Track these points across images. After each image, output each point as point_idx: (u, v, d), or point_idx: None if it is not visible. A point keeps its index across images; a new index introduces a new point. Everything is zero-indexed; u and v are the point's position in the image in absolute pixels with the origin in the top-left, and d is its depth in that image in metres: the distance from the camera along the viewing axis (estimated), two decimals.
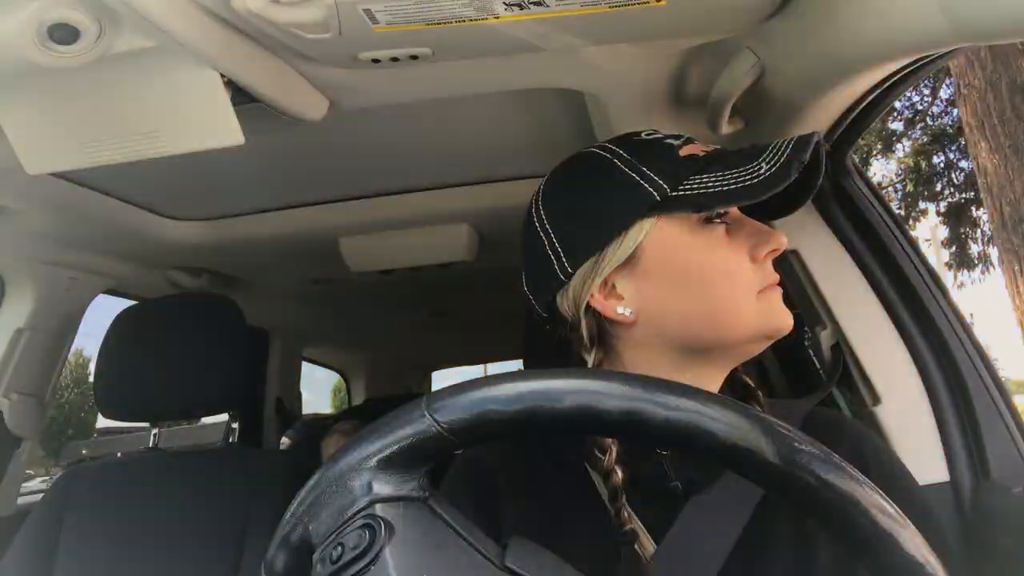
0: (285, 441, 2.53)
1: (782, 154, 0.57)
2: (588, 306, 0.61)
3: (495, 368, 4.48)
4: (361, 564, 0.33)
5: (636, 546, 0.58)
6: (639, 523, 0.59)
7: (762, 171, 0.56)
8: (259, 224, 1.45)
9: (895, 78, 0.75)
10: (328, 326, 2.64)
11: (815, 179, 0.61)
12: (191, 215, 1.44)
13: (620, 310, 0.60)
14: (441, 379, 4.47)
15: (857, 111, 0.84)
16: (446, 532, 0.35)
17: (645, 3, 0.68)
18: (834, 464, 0.34)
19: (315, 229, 1.46)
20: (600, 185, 0.62)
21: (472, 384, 0.37)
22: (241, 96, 0.80)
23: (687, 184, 0.58)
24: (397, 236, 1.50)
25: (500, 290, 2.35)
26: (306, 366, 2.93)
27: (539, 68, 0.87)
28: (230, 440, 2.32)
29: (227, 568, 1.17)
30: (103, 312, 1.53)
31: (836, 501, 0.33)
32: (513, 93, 1.02)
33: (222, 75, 0.76)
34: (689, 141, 0.63)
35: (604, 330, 0.63)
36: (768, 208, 0.63)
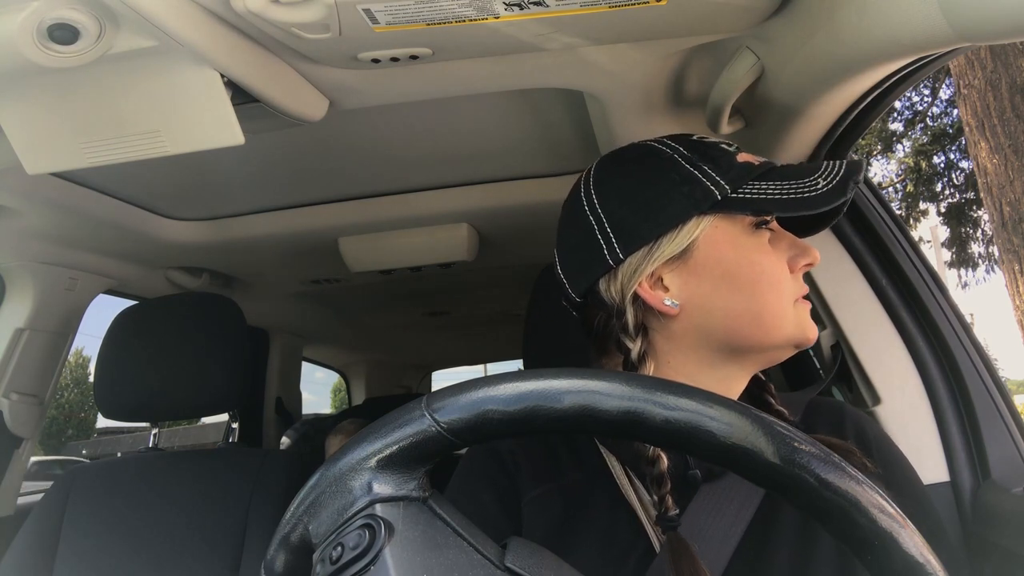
0: (285, 441, 2.53)
1: (837, 173, 0.60)
2: (635, 295, 0.62)
3: (495, 368, 4.48)
4: (361, 564, 0.33)
5: (651, 530, 0.59)
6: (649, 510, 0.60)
7: (819, 186, 0.59)
8: (259, 224, 1.45)
9: (895, 78, 0.75)
10: (328, 326, 2.64)
11: (841, 207, 0.64)
12: (191, 215, 1.44)
13: (667, 302, 0.61)
14: (441, 379, 4.48)
15: (857, 111, 0.84)
16: (446, 532, 0.35)
17: (645, 3, 0.68)
18: (834, 464, 0.34)
19: (315, 229, 1.46)
20: (661, 177, 0.63)
21: (472, 384, 0.37)
22: (241, 96, 0.80)
23: (746, 188, 0.61)
24: (397, 236, 1.51)
25: (500, 290, 2.36)
26: (306, 366, 2.93)
27: (539, 68, 0.87)
28: (230, 440, 2.32)
29: (227, 568, 1.17)
30: (103, 312, 1.54)
31: (836, 501, 0.33)
32: (513, 93, 1.02)
33: (222, 75, 0.75)
34: (740, 150, 0.65)
35: (645, 320, 0.64)
36: (794, 227, 0.67)
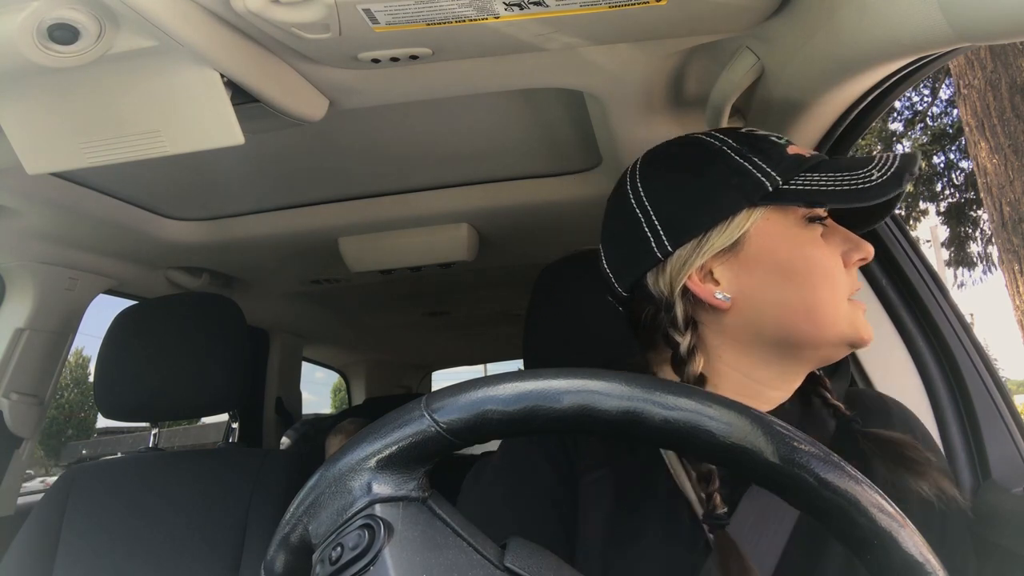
0: (285, 441, 2.53)
1: (891, 165, 0.59)
2: (684, 288, 0.61)
3: (495, 368, 4.48)
4: (361, 564, 0.33)
5: (706, 528, 0.57)
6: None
7: (873, 177, 0.58)
8: (259, 224, 1.45)
9: (895, 78, 0.75)
10: (328, 326, 2.64)
11: (894, 201, 0.64)
12: (191, 215, 1.44)
13: (718, 295, 0.60)
14: (441, 379, 4.48)
15: (857, 111, 0.84)
16: (445, 532, 0.35)
17: (645, 3, 0.68)
18: (833, 463, 0.34)
19: (315, 229, 1.46)
20: (711, 169, 0.62)
21: (471, 384, 0.37)
22: (241, 96, 0.80)
23: (798, 179, 0.60)
24: (397, 236, 1.51)
25: (500, 290, 2.36)
26: (306, 366, 2.93)
27: (539, 68, 0.87)
28: (230, 440, 2.32)
29: (227, 568, 1.17)
30: (103, 312, 1.54)
31: (835, 500, 0.33)
32: (513, 93, 1.02)
33: (222, 75, 0.76)
34: (790, 142, 0.64)
35: (694, 314, 0.63)
36: (845, 223, 0.66)
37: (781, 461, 0.34)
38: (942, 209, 9.52)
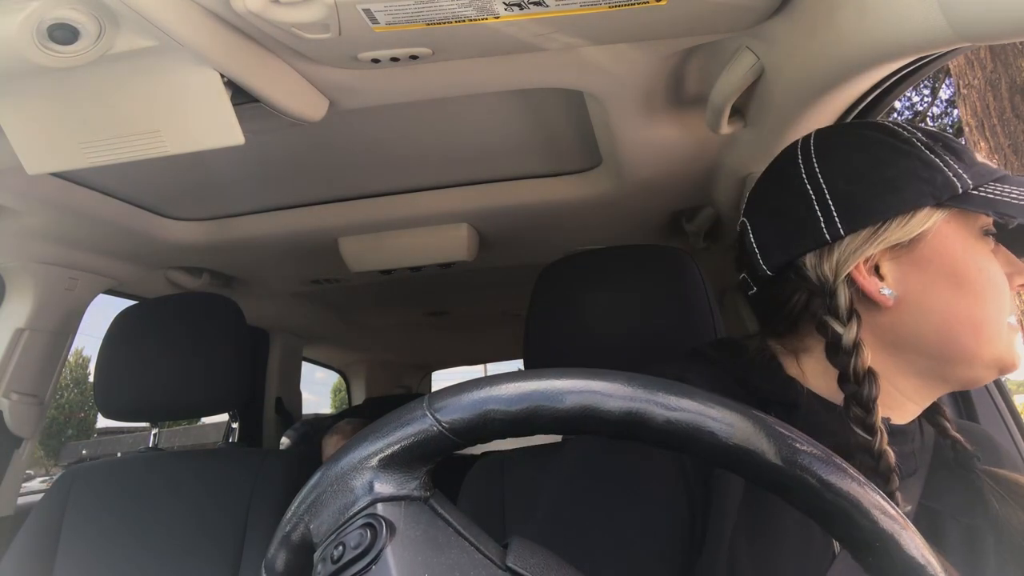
0: (285, 441, 2.53)
1: None
2: (849, 277, 0.58)
3: (495, 368, 4.48)
4: (362, 563, 0.33)
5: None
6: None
7: None
8: (259, 224, 1.45)
9: (895, 78, 0.75)
10: (328, 326, 2.64)
11: None
12: (191, 215, 1.44)
13: (884, 291, 0.57)
14: (441, 379, 4.47)
15: (857, 111, 0.84)
16: (447, 532, 0.35)
17: (645, 3, 0.68)
18: (835, 465, 0.34)
19: (315, 229, 1.46)
20: (901, 159, 0.58)
21: (474, 384, 0.37)
22: (241, 96, 0.80)
23: (988, 188, 0.57)
24: (397, 236, 1.50)
25: (500, 290, 2.36)
26: (306, 366, 2.92)
27: (539, 68, 0.87)
28: (230, 440, 2.32)
29: (227, 568, 1.17)
30: (103, 312, 1.54)
31: (837, 502, 0.33)
32: (513, 93, 1.02)
33: (222, 75, 0.76)
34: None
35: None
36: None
37: (783, 463, 0.34)
38: None
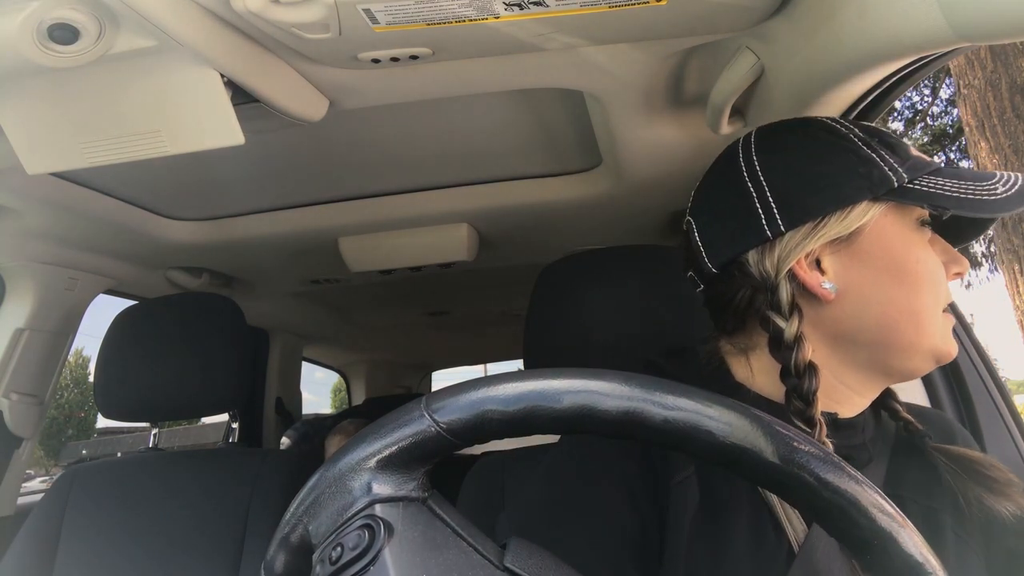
0: (285, 441, 2.53)
1: (1015, 182, 0.58)
2: (790, 272, 0.59)
3: (495, 368, 4.48)
4: (361, 564, 0.33)
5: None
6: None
7: (998, 191, 0.57)
8: (259, 224, 1.45)
9: (895, 78, 0.75)
10: (328, 326, 2.64)
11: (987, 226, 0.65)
12: (191, 215, 1.44)
13: (825, 285, 0.58)
14: (441, 379, 4.48)
15: (857, 111, 0.84)
16: (445, 532, 0.35)
17: (645, 3, 0.68)
18: (833, 463, 0.34)
19: (315, 229, 1.46)
20: (838, 155, 0.59)
21: (471, 384, 0.37)
22: (241, 96, 0.80)
23: (923, 181, 0.58)
24: (397, 236, 1.51)
25: (500, 290, 2.36)
26: (306, 366, 2.93)
27: (539, 68, 0.87)
28: (230, 440, 2.32)
29: (227, 568, 1.17)
30: (103, 312, 1.54)
31: (835, 500, 0.33)
32: (513, 93, 1.02)
33: (222, 75, 0.76)
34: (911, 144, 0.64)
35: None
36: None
37: (781, 461, 0.34)
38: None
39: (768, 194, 0.60)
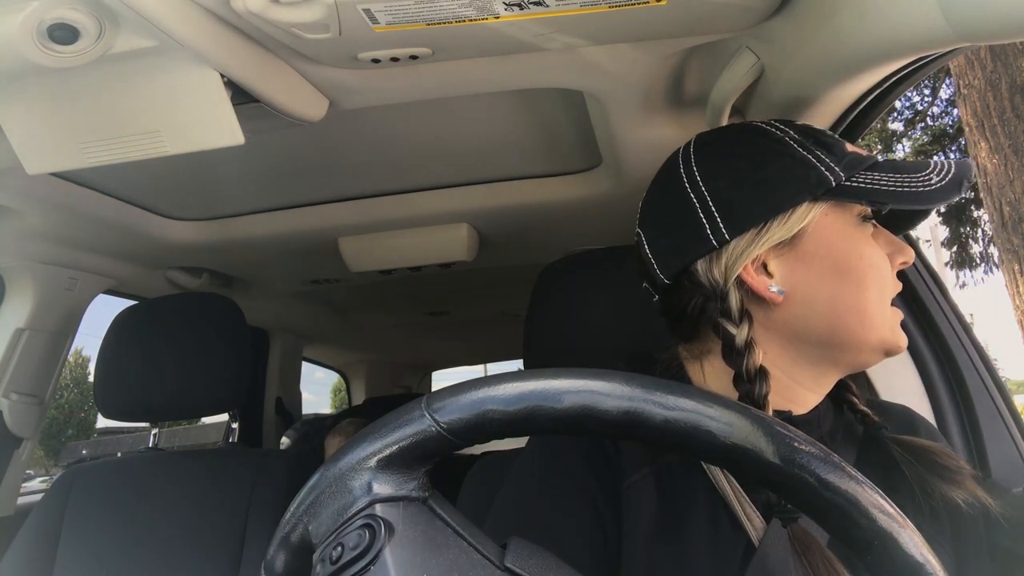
0: (285, 441, 2.53)
1: (948, 171, 0.59)
2: (739, 279, 0.60)
3: (495, 368, 4.48)
4: (361, 564, 0.33)
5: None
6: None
7: (932, 182, 0.58)
8: (259, 224, 1.45)
9: (895, 78, 0.75)
10: (328, 326, 2.64)
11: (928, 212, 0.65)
12: (191, 215, 1.44)
13: (773, 288, 0.59)
14: (441, 379, 4.48)
15: (857, 111, 0.84)
16: (446, 532, 0.35)
17: (645, 3, 0.68)
18: (833, 464, 0.34)
19: (315, 229, 1.46)
20: (775, 159, 0.60)
21: (472, 384, 0.37)
22: (241, 96, 0.80)
23: (860, 177, 0.59)
24: (397, 236, 1.51)
25: (500, 290, 2.36)
26: (306, 366, 2.93)
27: (539, 68, 0.87)
28: (230, 440, 2.32)
29: (227, 568, 1.17)
30: (103, 312, 1.54)
31: (836, 500, 0.33)
32: (513, 93, 1.02)
33: (222, 75, 0.76)
34: (846, 140, 0.64)
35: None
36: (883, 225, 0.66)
37: (782, 461, 0.34)
38: (942, 209, 9.52)
39: (710, 203, 0.61)
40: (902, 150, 9.65)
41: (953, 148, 9.14)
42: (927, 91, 9.17)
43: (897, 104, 8.63)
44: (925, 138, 9.39)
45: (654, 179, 0.68)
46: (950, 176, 0.58)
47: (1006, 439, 0.93)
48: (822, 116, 0.84)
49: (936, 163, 0.60)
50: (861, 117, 0.87)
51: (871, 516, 0.33)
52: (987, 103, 5.34)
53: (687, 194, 0.62)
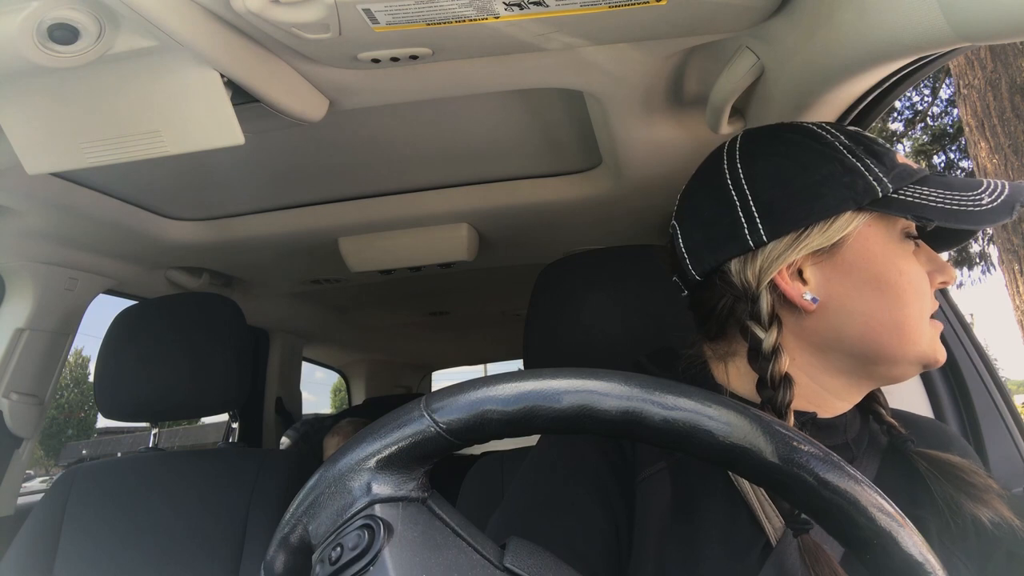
0: (285, 441, 2.53)
1: (1001, 192, 0.57)
2: (772, 282, 0.59)
3: (495, 368, 4.48)
4: (360, 564, 0.33)
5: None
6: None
7: (984, 202, 0.56)
8: (259, 224, 1.45)
9: (895, 78, 0.75)
10: (328, 326, 2.64)
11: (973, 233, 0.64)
12: (191, 215, 1.44)
13: (806, 296, 0.58)
14: (441, 379, 4.48)
15: (857, 111, 0.84)
16: (445, 532, 0.35)
17: (645, 3, 0.68)
18: (833, 463, 0.34)
19: (315, 229, 1.46)
20: (823, 164, 0.58)
21: (471, 384, 0.37)
22: (241, 96, 0.80)
23: (908, 191, 0.57)
24: (397, 236, 1.51)
25: (500, 290, 2.36)
26: (306, 366, 2.93)
27: (539, 68, 0.87)
28: (230, 440, 2.32)
29: (227, 568, 1.17)
30: (103, 312, 1.54)
31: (835, 500, 0.33)
32: (513, 93, 1.02)
33: (222, 75, 0.76)
34: (897, 151, 0.63)
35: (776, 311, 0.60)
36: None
37: (781, 461, 0.34)
38: None
39: (751, 203, 0.59)
40: (902, 150, 9.65)
41: (953, 148, 9.15)
42: (927, 91, 9.17)
43: (897, 104, 8.64)
44: (925, 138, 9.39)
45: (695, 172, 0.67)
46: (1003, 198, 0.56)
47: (1006, 439, 0.93)
48: (822, 116, 0.84)
49: (989, 183, 0.58)
50: (861, 117, 0.87)
51: (870, 515, 0.33)
52: (987, 103, 5.34)
53: (728, 191, 0.61)
